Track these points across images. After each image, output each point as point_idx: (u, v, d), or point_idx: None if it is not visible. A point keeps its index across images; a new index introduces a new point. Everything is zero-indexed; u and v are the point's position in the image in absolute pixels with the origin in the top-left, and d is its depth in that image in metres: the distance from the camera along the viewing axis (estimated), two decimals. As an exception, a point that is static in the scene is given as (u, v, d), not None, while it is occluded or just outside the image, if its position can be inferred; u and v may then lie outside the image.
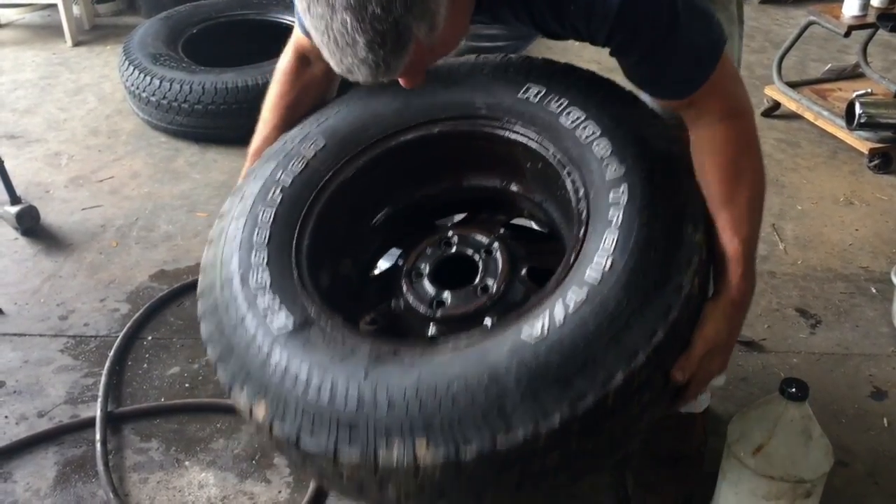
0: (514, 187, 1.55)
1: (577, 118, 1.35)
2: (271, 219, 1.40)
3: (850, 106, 2.97)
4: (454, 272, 1.46)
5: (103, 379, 2.06)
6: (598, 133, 1.32)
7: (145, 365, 2.16)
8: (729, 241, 1.28)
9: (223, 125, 3.16)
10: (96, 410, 1.96)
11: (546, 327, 1.17)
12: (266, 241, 1.37)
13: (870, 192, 2.91)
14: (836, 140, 3.19)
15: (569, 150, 1.34)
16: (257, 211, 1.41)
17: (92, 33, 4.40)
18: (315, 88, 1.60)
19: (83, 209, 2.85)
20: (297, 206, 1.43)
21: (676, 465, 1.79)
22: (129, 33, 3.52)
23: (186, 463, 1.87)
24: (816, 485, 1.56)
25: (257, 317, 1.28)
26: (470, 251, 1.47)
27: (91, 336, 2.27)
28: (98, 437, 1.89)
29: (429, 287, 1.44)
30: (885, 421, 1.97)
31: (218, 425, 1.97)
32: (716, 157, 1.29)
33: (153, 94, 3.16)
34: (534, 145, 1.40)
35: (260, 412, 1.21)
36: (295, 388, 1.20)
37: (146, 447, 1.92)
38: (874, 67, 3.48)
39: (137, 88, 3.20)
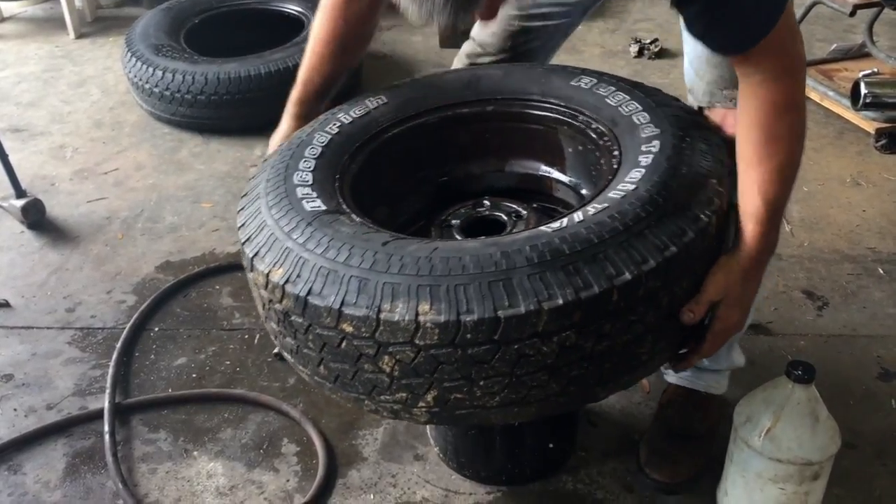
0: (553, 173, 1.68)
1: (623, 99, 1.52)
2: (326, 142, 1.53)
3: (856, 86, 2.94)
4: (484, 230, 1.51)
5: (111, 370, 2.07)
6: (639, 108, 1.48)
7: (152, 356, 2.17)
8: (751, 200, 1.32)
9: (226, 115, 3.16)
10: (104, 402, 1.97)
11: (564, 223, 1.25)
12: (316, 156, 1.50)
13: (877, 173, 2.89)
14: (842, 120, 3.16)
15: (612, 121, 1.50)
16: (314, 135, 1.55)
17: (94, 25, 4.40)
18: (359, 21, 1.63)
19: (88, 202, 2.86)
20: (350, 140, 1.56)
21: (689, 441, 1.81)
22: (131, 24, 3.52)
23: (195, 453, 1.88)
24: (824, 466, 1.55)
25: (294, 201, 1.38)
26: (501, 214, 1.56)
27: (98, 328, 2.27)
28: (106, 428, 1.90)
29: (457, 236, 1.52)
30: (892, 402, 1.96)
31: (225, 415, 1.98)
32: (755, 116, 1.31)
33: (156, 86, 3.15)
34: (579, 123, 1.56)
35: (276, 275, 1.27)
36: (314, 252, 1.26)
37: (154, 438, 1.93)
38: (880, 46, 3.45)
39: (140, 80, 3.20)
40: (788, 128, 1.30)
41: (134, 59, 3.23)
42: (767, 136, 1.30)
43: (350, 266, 1.22)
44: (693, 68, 1.59)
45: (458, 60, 1.88)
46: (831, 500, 1.69)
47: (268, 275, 1.29)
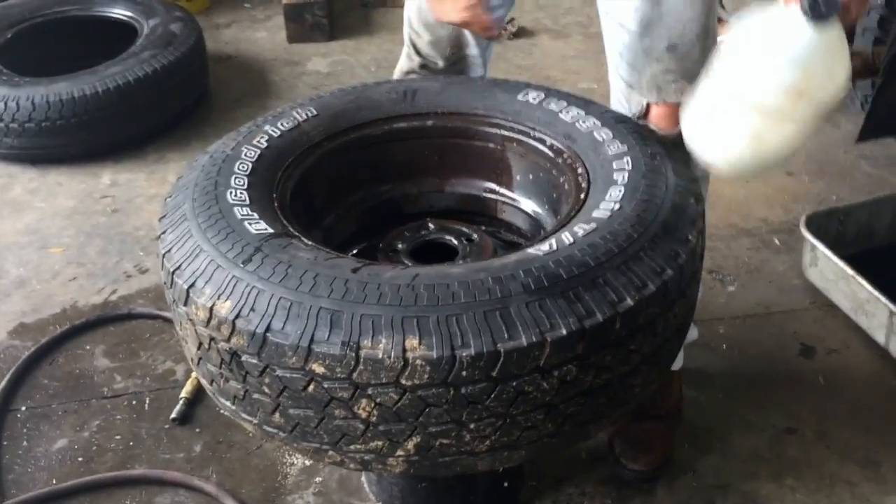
0: (499, 193, 1.58)
1: (578, 114, 1.44)
2: (255, 157, 1.38)
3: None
4: (433, 256, 1.40)
5: (-23, 469, 1.77)
6: (598, 124, 1.41)
7: (25, 443, 1.86)
8: None
9: (63, 143, 2.81)
10: (-24, 510, 1.68)
11: (555, 245, 1.16)
12: (248, 172, 1.35)
13: (748, 139, 2.93)
14: (706, 89, 3.20)
15: (569, 138, 1.41)
16: (240, 149, 1.39)
17: None
18: None
19: None
20: (282, 156, 1.41)
21: (660, 422, 1.78)
22: (-72, 46, 3.05)
23: (99, 555, 1.63)
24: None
25: (234, 223, 1.23)
26: (450, 237, 1.45)
27: (-50, 417, 1.94)
28: (-15, 544, 1.61)
29: (407, 262, 1.39)
30: (820, 378, 1.97)
31: (127, 502, 1.72)
32: None
33: (-27, 117, 2.74)
34: (531, 140, 1.47)
35: (223, 309, 1.12)
36: (269, 281, 1.12)
37: (46, 545, 1.65)
38: (729, 10, 3.51)
39: (-48, 112, 2.77)
40: None
41: (-58, 89, 2.79)
42: None
43: (317, 297, 1.08)
44: (625, 62, 1.50)
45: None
46: (786, 492, 1.68)
47: (211, 308, 1.13)
